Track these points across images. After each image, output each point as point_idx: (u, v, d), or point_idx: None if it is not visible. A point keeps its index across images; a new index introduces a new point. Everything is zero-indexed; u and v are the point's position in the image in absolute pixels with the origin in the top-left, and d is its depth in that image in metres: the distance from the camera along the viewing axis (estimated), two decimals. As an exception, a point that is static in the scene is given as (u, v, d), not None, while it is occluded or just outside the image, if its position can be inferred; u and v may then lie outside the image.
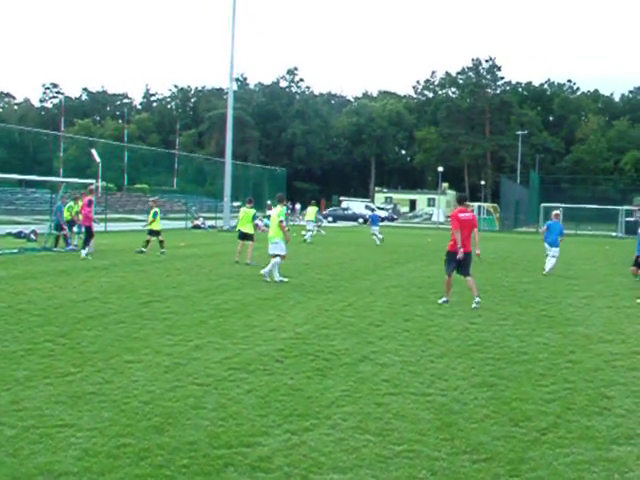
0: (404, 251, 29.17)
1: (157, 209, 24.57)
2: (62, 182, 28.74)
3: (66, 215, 25.07)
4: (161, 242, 23.82)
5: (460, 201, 14.21)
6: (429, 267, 21.65)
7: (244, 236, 21.37)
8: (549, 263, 20.30)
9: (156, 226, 24.11)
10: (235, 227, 40.95)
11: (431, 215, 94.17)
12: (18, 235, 30.48)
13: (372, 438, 5.68)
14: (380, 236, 33.29)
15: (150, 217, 24.32)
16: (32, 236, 28.97)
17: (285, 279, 16.47)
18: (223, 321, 10.93)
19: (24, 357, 8.12)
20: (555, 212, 21.93)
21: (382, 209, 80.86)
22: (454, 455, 5.37)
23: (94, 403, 6.39)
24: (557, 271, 20.45)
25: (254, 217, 21.80)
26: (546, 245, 20.83)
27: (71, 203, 25.69)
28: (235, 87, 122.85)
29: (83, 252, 21.80)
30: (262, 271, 16.71)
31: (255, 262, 19.73)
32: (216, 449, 5.32)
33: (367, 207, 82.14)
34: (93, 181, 27.12)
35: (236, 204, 56.19)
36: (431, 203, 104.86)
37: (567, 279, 19.03)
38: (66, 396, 6.58)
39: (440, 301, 13.80)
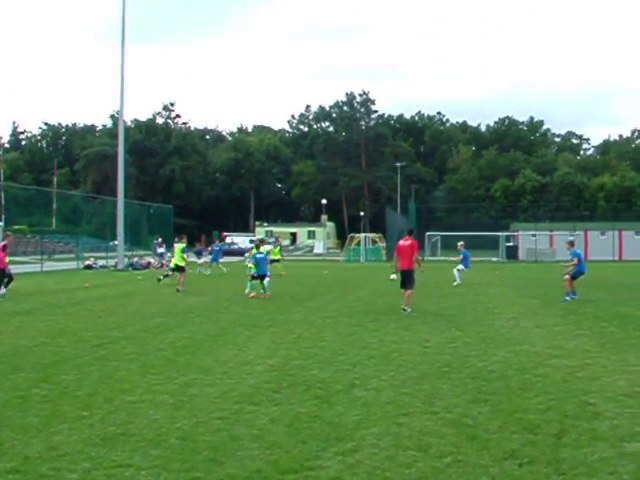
0: (311, 283, 29.77)
1: None
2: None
3: None
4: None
5: (409, 232, 18.49)
6: (346, 297, 22.41)
7: (178, 268, 24.90)
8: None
9: None
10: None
11: (312, 247, 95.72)
12: None
13: (417, 453, 6.09)
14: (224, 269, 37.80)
15: None
16: None
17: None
18: (191, 358, 11.05)
19: (22, 404, 8.01)
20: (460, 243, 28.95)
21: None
22: (499, 461, 5.85)
23: (132, 443, 6.45)
24: (470, 296, 21.68)
25: (183, 250, 25.26)
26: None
27: None
28: (110, 124, 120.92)
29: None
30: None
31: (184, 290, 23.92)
32: (285, 475, 5.56)
33: (251, 241, 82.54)
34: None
35: (115, 243, 55.01)
36: (311, 235, 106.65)
37: (482, 303, 20.07)
38: (99, 438, 6.60)
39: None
